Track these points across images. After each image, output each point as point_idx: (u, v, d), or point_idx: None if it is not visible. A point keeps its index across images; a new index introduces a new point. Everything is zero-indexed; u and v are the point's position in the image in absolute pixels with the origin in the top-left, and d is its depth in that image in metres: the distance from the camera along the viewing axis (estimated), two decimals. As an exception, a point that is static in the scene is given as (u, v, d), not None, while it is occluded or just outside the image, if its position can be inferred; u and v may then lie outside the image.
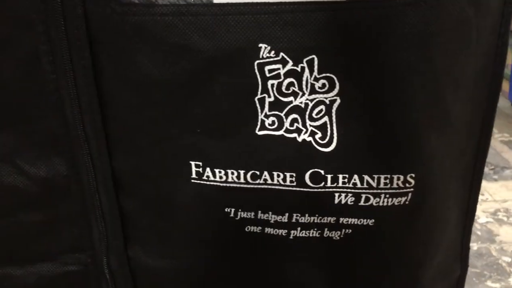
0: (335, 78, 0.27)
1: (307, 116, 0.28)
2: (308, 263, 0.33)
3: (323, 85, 0.27)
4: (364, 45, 0.26)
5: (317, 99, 0.28)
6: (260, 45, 0.27)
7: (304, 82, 0.27)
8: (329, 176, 0.29)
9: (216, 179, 0.30)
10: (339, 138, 0.28)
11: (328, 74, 0.27)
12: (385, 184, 0.29)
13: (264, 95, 0.28)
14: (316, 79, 0.27)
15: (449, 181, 0.31)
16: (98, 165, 0.33)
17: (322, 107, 0.28)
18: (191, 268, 0.35)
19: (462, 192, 0.33)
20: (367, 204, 0.30)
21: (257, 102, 0.28)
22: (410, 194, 0.29)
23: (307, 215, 0.31)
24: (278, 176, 0.30)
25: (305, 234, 0.32)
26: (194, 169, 0.31)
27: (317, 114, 0.28)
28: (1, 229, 0.35)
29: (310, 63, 0.27)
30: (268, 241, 0.32)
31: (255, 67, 0.27)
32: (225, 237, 0.33)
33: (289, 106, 0.28)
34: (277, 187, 0.30)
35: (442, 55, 0.27)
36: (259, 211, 0.31)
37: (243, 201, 0.31)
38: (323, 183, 0.30)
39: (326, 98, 0.28)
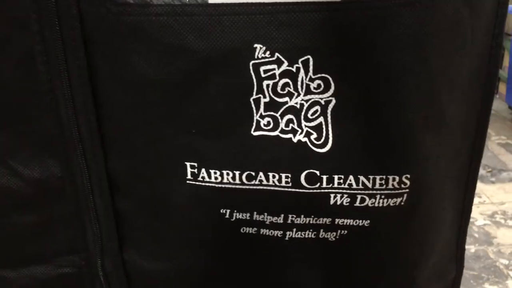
0: (330, 79, 0.27)
1: (302, 117, 0.28)
2: (304, 264, 0.33)
3: (318, 85, 0.27)
4: (359, 45, 0.26)
5: (312, 100, 0.28)
6: (255, 45, 0.27)
7: (299, 83, 0.27)
8: (324, 177, 0.29)
9: (211, 180, 0.30)
10: (334, 139, 0.28)
11: (323, 75, 0.27)
12: (381, 184, 0.29)
13: (260, 95, 0.28)
14: (311, 80, 0.27)
15: (444, 182, 0.31)
16: (92, 166, 0.32)
17: (318, 107, 0.28)
18: (186, 270, 0.35)
19: (457, 192, 0.33)
20: (362, 205, 0.30)
21: (252, 102, 0.28)
22: (405, 195, 0.30)
23: (302, 216, 0.31)
24: (274, 177, 0.30)
25: (301, 235, 0.31)
26: (189, 170, 0.31)
27: (312, 114, 0.28)
28: None
29: (305, 64, 0.27)
30: (263, 242, 0.32)
31: (250, 68, 0.27)
32: (220, 238, 0.33)
33: (284, 107, 0.28)
34: (272, 188, 0.30)
35: (437, 56, 0.27)
36: (255, 212, 0.31)
37: (238, 202, 0.31)
38: (318, 183, 0.30)
39: (321, 98, 0.28)
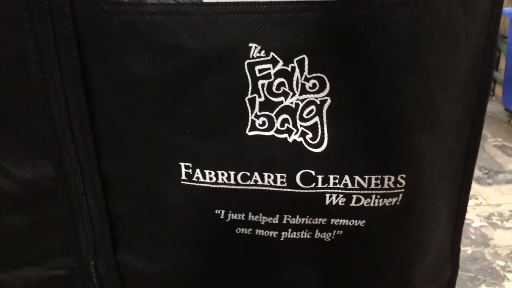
0: (325, 78, 0.27)
1: (297, 117, 0.28)
2: (299, 264, 0.33)
3: (314, 85, 0.27)
4: (355, 45, 0.26)
5: (307, 99, 0.28)
6: (250, 44, 0.27)
7: (294, 82, 0.27)
8: (320, 177, 0.29)
9: (206, 180, 0.30)
10: (330, 139, 0.28)
11: (318, 74, 0.27)
12: (376, 184, 0.29)
13: (255, 95, 0.28)
14: (307, 79, 0.27)
15: (439, 182, 0.31)
16: (85, 166, 0.32)
17: (313, 107, 0.28)
18: (181, 272, 0.34)
19: (452, 192, 0.33)
20: (358, 205, 0.30)
21: (247, 102, 0.28)
22: (401, 195, 0.29)
23: (298, 216, 0.31)
24: (269, 177, 0.30)
25: (296, 235, 0.31)
26: (183, 170, 0.30)
27: (307, 114, 0.28)
28: None
29: (301, 63, 0.27)
30: (258, 242, 0.32)
31: (245, 67, 0.27)
32: (215, 239, 0.32)
33: (279, 106, 0.28)
34: (267, 188, 0.30)
35: (432, 55, 0.27)
36: (250, 213, 0.31)
37: (233, 202, 0.31)
38: (314, 183, 0.29)
39: (316, 98, 0.28)
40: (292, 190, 0.30)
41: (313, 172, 0.29)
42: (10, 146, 0.32)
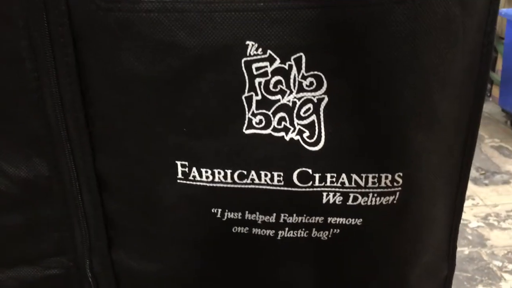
0: (323, 76, 0.27)
1: (294, 115, 0.28)
2: (296, 263, 0.33)
3: (311, 83, 0.27)
4: (352, 42, 0.26)
5: (304, 98, 0.28)
6: (247, 42, 0.27)
7: (291, 80, 0.27)
8: (317, 176, 0.29)
9: (202, 179, 0.30)
10: (327, 137, 0.28)
11: (316, 72, 0.27)
12: (373, 183, 0.29)
13: (251, 93, 0.28)
14: (304, 77, 0.27)
15: (436, 180, 0.31)
16: (81, 165, 0.32)
17: (310, 105, 0.28)
18: (177, 271, 0.34)
19: (449, 190, 0.33)
20: (355, 203, 0.30)
21: (244, 100, 0.28)
22: (398, 193, 0.29)
23: (295, 215, 0.31)
24: (266, 175, 0.29)
25: (293, 234, 0.31)
26: (180, 169, 0.30)
27: (304, 112, 0.28)
28: None
29: (298, 61, 0.27)
30: (255, 241, 0.32)
31: (242, 65, 0.27)
32: (211, 238, 0.32)
33: (276, 105, 0.28)
34: (264, 187, 0.30)
35: (430, 53, 0.27)
36: (246, 212, 0.31)
37: (230, 201, 0.30)
38: (311, 182, 0.29)
39: (314, 96, 0.27)
40: (289, 188, 0.30)
41: (310, 171, 0.29)
42: (5, 145, 0.32)
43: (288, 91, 0.28)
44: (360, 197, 0.29)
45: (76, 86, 0.29)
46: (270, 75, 0.27)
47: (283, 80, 0.27)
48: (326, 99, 0.27)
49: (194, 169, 0.30)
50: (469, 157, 0.32)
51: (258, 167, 0.29)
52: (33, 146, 0.32)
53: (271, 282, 0.34)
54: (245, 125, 0.28)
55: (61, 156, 0.32)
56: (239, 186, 0.30)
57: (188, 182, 0.30)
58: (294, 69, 0.27)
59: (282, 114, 0.28)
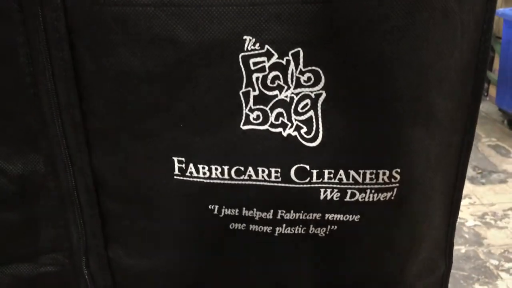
0: (320, 72, 0.27)
1: (292, 110, 0.28)
2: (294, 259, 0.33)
3: (309, 78, 0.27)
4: (350, 38, 0.26)
5: (302, 93, 0.27)
6: (245, 37, 0.26)
7: (289, 76, 0.27)
8: (314, 172, 0.29)
9: (199, 175, 0.30)
10: (324, 133, 0.28)
11: (313, 68, 0.27)
12: (371, 179, 0.29)
13: (249, 88, 0.28)
14: (302, 73, 0.27)
15: (434, 176, 0.31)
16: (77, 162, 0.32)
17: (308, 101, 0.28)
18: (173, 268, 0.34)
19: (446, 187, 0.33)
20: (352, 199, 0.29)
21: (241, 95, 0.28)
22: (395, 189, 0.29)
23: (292, 211, 0.30)
24: (263, 171, 0.29)
25: (290, 231, 0.31)
26: (177, 165, 0.30)
27: (302, 108, 0.28)
28: None
29: (296, 56, 0.27)
30: (252, 238, 0.31)
31: (240, 60, 0.27)
32: (208, 235, 0.32)
33: (274, 100, 0.28)
34: (261, 183, 0.30)
35: (428, 50, 0.27)
36: (244, 208, 0.31)
37: (227, 197, 0.30)
38: (308, 178, 0.29)
39: (311, 92, 0.27)
40: (287, 185, 0.29)
41: (307, 167, 0.29)
42: (0, 141, 0.31)
43: (286, 87, 0.27)
44: (357, 193, 0.29)
45: (72, 81, 0.29)
46: (267, 70, 0.27)
47: (280, 75, 0.27)
48: (324, 94, 0.27)
49: (191, 165, 0.30)
50: (466, 155, 0.32)
51: (255, 163, 0.29)
52: (28, 142, 0.31)
53: (268, 278, 0.33)
54: (243, 121, 0.28)
55: (57, 153, 0.31)
56: (236, 182, 0.30)
57: (185, 178, 0.30)
58: (292, 64, 0.27)
59: (279, 109, 0.28)
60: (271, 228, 0.31)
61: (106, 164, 0.32)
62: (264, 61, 0.27)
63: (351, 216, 0.30)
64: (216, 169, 0.29)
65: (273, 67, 0.27)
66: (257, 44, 0.26)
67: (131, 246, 0.34)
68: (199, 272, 0.34)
